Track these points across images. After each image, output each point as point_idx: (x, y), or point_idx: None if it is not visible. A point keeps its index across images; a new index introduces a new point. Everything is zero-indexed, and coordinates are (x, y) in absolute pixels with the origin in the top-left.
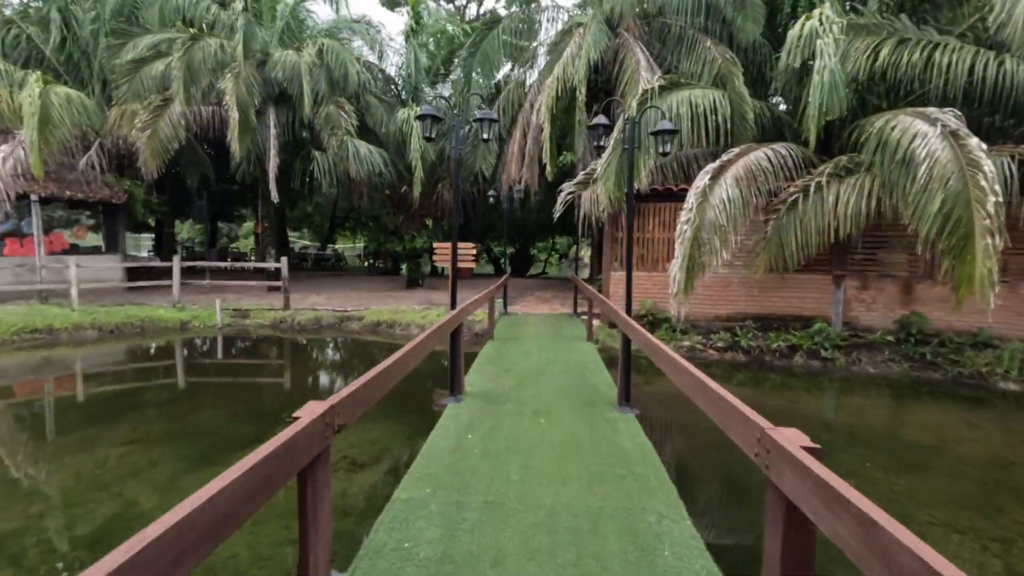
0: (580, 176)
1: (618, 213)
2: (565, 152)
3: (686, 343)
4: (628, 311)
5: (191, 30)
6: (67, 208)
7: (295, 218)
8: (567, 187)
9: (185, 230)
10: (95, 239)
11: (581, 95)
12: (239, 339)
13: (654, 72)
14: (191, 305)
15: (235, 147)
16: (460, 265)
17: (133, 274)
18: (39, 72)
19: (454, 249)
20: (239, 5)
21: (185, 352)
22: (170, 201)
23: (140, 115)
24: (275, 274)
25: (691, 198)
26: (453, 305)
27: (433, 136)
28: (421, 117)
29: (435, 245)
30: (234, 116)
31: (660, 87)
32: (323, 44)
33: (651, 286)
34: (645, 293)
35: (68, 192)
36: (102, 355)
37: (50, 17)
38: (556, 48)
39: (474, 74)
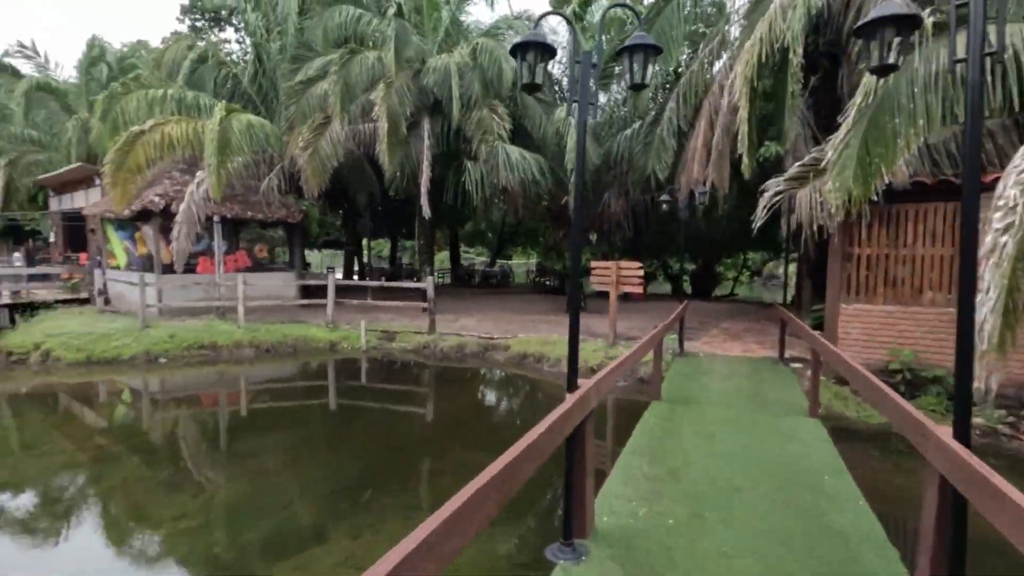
0: (794, 170)
1: (856, 219)
2: (767, 143)
3: (979, 419)
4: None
5: (351, 46)
6: (251, 228)
7: (467, 234)
8: (773, 184)
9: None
10: (282, 256)
11: (796, 58)
12: (382, 364)
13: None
14: (345, 325)
15: (385, 160)
16: (626, 289)
17: (306, 291)
18: (223, 103)
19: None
20: (392, 11)
21: (326, 375)
22: (347, 219)
23: (303, 135)
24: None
25: (1013, 191)
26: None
27: (538, 82)
28: (520, 47)
29: (592, 265)
30: (383, 127)
31: (935, 23)
32: (477, 44)
33: (910, 327)
34: (901, 336)
35: (250, 213)
36: (252, 374)
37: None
38: (756, 8)
39: None
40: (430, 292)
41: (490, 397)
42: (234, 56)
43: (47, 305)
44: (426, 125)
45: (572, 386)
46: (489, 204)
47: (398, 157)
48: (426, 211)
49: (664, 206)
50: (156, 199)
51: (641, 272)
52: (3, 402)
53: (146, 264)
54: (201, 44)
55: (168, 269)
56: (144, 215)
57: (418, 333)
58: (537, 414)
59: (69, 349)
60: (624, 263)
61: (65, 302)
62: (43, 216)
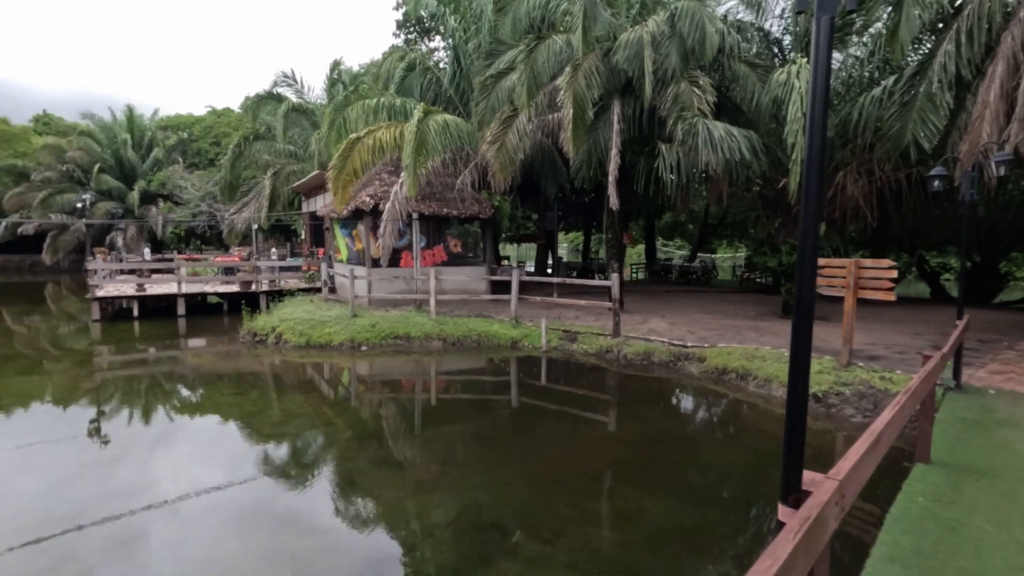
0: None
1: None
2: None
3: None
4: None
5: (540, 32)
6: (451, 224)
7: (665, 226)
8: None
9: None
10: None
11: None
12: (561, 366)
13: None
14: (528, 322)
15: (570, 149)
16: (869, 295)
17: (495, 286)
18: (422, 105)
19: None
20: None
21: (506, 372)
22: (540, 213)
23: (491, 129)
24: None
25: None
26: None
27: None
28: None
29: (821, 264)
30: (568, 113)
31: None
32: (676, 8)
33: None
34: None
35: (445, 210)
36: (438, 365)
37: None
38: None
39: None
40: (614, 291)
41: (679, 419)
42: (441, 63)
43: (291, 293)
44: (616, 108)
45: (791, 486)
46: (686, 191)
47: (584, 145)
48: (613, 202)
49: (936, 184)
50: (367, 199)
51: (893, 273)
52: (254, 377)
53: (360, 258)
54: (412, 54)
55: (377, 263)
56: (357, 214)
57: (601, 335)
58: (738, 451)
59: (294, 333)
60: (866, 261)
61: (305, 291)
62: (298, 217)
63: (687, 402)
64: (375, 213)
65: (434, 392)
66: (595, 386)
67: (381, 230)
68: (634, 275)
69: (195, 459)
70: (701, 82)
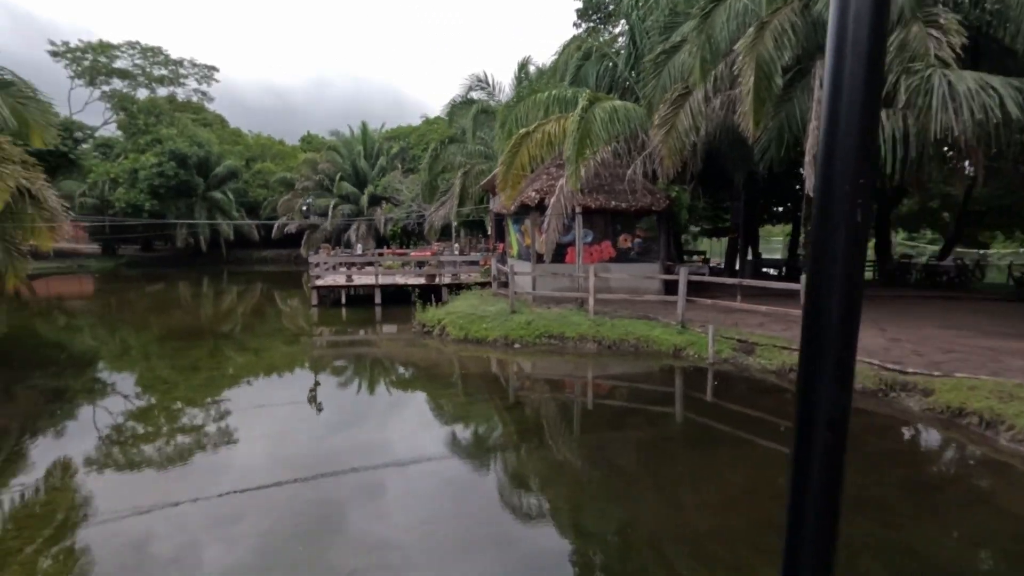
0: None
1: None
2: None
3: None
4: None
5: None
6: (615, 218)
7: (908, 214)
8: None
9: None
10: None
11: None
12: (731, 381)
13: None
14: (698, 328)
15: (748, 124)
16: None
17: (671, 286)
18: (587, 92)
19: None
20: None
21: (664, 382)
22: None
23: (659, 110)
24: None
25: None
26: None
27: None
28: None
29: None
30: (746, 82)
31: None
32: None
33: None
34: None
35: (614, 203)
36: (591, 369)
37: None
38: None
39: None
40: (805, 296)
41: (886, 471)
42: (620, 48)
43: (467, 286)
44: (818, 72)
45: None
46: (919, 169)
47: (773, 121)
48: (810, 186)
49: None
50: (532, 194)
51: None
52: (421, 364)
53: (529, 254)
54: (588, 42)
55: (541, 259)
56: (523, 209)
57: (786, 348)
58: (979, 538)
59: (455, 327)
60: None
61: (481, 285)
62: (486, 213)
63: (899, 448)
64: (540, 208)
65: (589, 396)
66: (773, 410)
67: (544, 225)
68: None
69: (393, 430)
70: (942, 20)
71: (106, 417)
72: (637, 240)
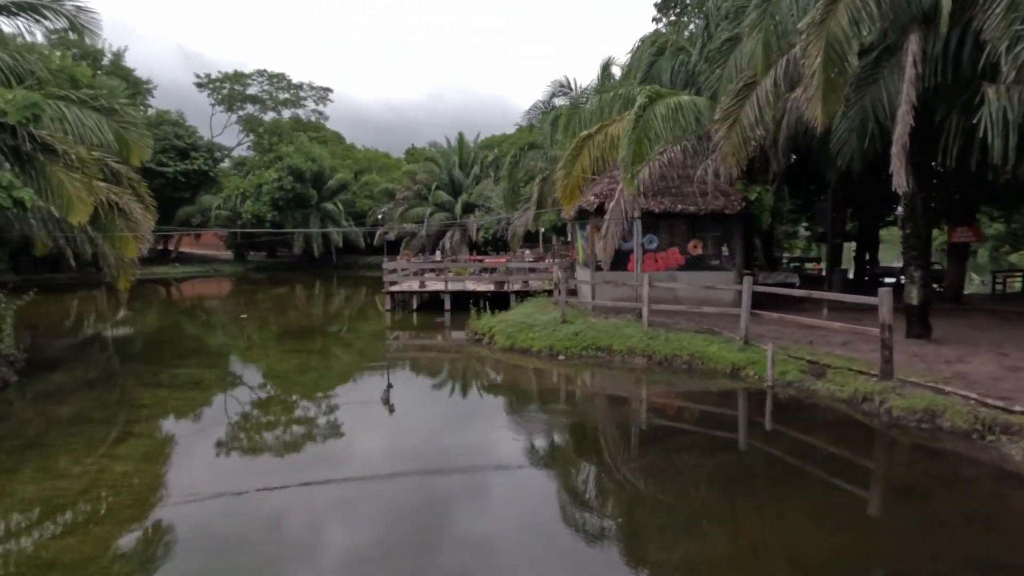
0: None
1: None
2: None
3: None
4: None
5: None
6: (686, 222)
7: None
8: None
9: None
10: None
11: None
12: (791, 409)
13: None
14: (764, 346)
15: (814, 112)
16: None
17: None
18: (648, 88)
19: None
20: None
21: (708, 406)
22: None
23: (721, 103)
24: (918, 312)
25: None
26: None
27: None
28: None
29: None
30: (811, 64)
31: None
32: None
33: None
34: None
35: (680, 206)
36: (633, 384)
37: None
38: None
39: None
40: (883, 313)
41: (963, 547)
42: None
43: (535, 294)
44: (911, 46)
45: None
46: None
47: (855, 108)
48: (900, 183)
49: None
50: (592, 198)
51: None
52: (454, 373)
53: (591, 261)
54: (663, 37)
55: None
56: (582, 214)
57: (864, 374)
58: None
59: (503, 336)
60: None
61: (548, 292)
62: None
63: (977, 513)
64: (600, 213)
65: (613, 417)
66: (832, 446)
67: (603, 231)
68: (997, 288)
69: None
70: None
71: (234, 405)
72: (711, 246)
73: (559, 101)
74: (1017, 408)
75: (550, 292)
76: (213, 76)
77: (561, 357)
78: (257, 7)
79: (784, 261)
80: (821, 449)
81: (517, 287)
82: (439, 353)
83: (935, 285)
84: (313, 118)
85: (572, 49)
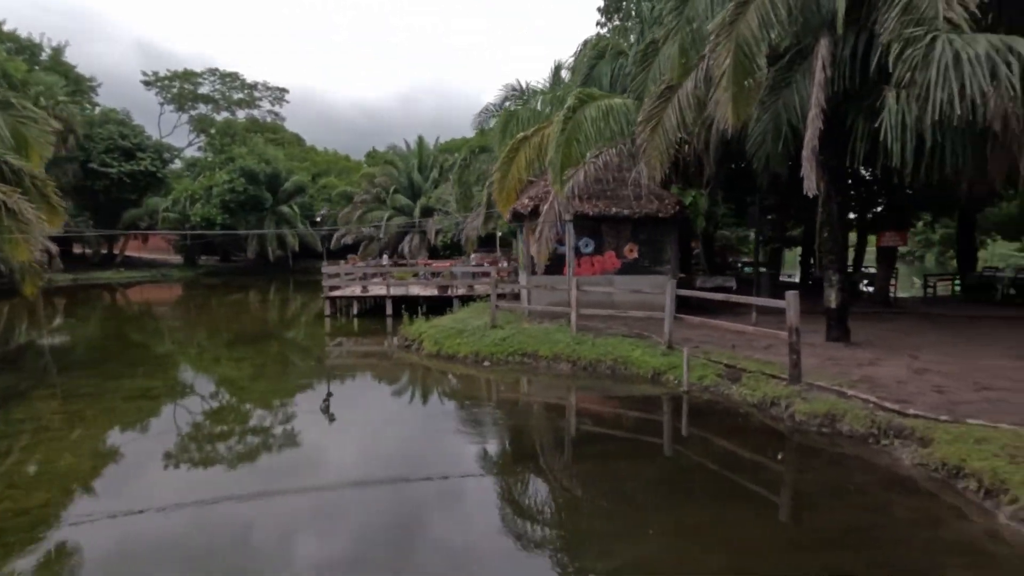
0: None
1: None
2: None
3: None
4: None
5: None
6: (622, 225)
7: (1007, 220)
8: None
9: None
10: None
11: None
12: (701, 415)
13: None
14: (690, 348)
15: (727, 115)
16: None
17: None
18: (577, 90)
19: None
20: None
21: (614, 413)
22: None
23: (644, 106)
24: (836, 315)
25: None
26: None
27: None
28: None
29: None
30: (721, 64)
31: None
32: None
33: None
34: None
35: (614, 209)
36: (549, 391)
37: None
38: None
39: None
40: (791, 317)
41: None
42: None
43: (479, 298)
44: (821, 52)
45: None
46: (938, 159)
47: (768, 111)
48: (810, 186)
49: None
50: (527, 201)
51: None
52: (371, 379)
53: (527, 265)
54: (603, 41)
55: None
56: (517, 218)
57: (776, 378)
58: None
59: (430, 341)
60: None
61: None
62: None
63: (862, 521)
64: (534, 216)
65: (516, 424)
66: (741, 449)
67: (537, 234)
68: (928, 291)
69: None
70: None
71: (150, 417)
72: (647, 250)
73: (513, 105)
74: (911, 411)
75: (498, 297)
76: (162, 74)
77: (486, 363)
78: (223, 4)
79: (739, 265)
80: (723, 457)
81: (462, 292)
82: (362, 360)
83: (868, 288)
84: (269, 119)
85: (555, 51)
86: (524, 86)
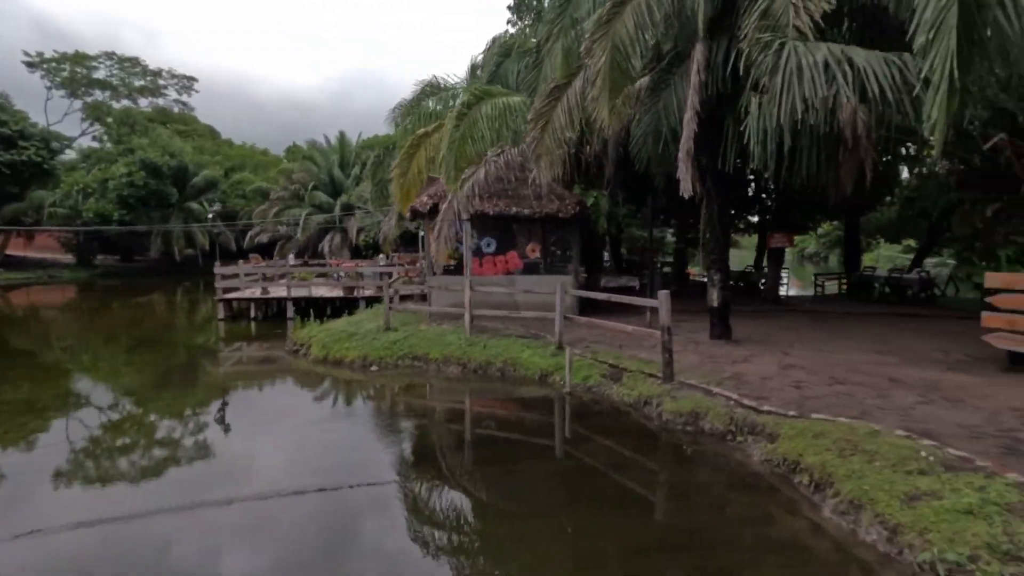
0: None
1: None
2: None
3: None
4: None
5: None
6: (526, 225)
7: (888, 224)
8: None
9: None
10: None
11: None
12: (578, 416)
13: None
14: (575, 350)
15: (601, 112)
16: None
17: (589, 300)
18: (474, 87)
19: None
20: None
21: (489, 418)
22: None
23: (534, 104)
24: (719, 314)
25: None
26: None
27: None
28: None
29: (993, 280)
30: (597, 62)
31: None
32: None
33: None
34: None
35: (515, 208)
36: (432, 396)
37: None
38: None
39: None
40: (663, 316)
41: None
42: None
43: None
44: (696, 56)
45: None
46: (797, 162)
47: (649, 112)
48: (686, 188)
49: None
50: (425, 199)
51: None
52: (245, 387)
53: (428, 265)
54: (510, 39)
55: (448, 270)
56: (417, 216)
57: (654, 377)
58: None
59: (318, 346)
60: None
61: (402, 297)
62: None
63: (713, 523)
64: (433, 214)
65: (404, 426)
66: (609, 450)
67: (436, 233)
68: (817, 290)
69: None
70: None
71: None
72: (550, 250)
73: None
74: (766, 408)
75: (403, 298)
76: (48, 55)
77: (374, 368)
78: None
79: (659, 266)
80: (593, 458)
81: (369, 292)
82: (244, 367)
83: (761, 286)
84: (177, 109)
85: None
86: (440, 81)
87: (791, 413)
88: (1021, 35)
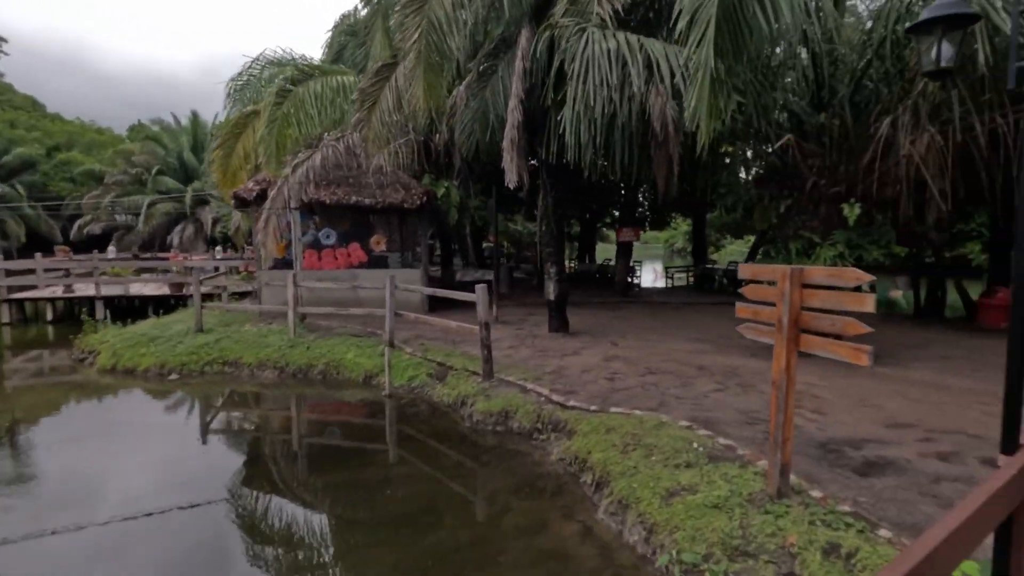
0: None
1: None
2: None
3: None
4: None
5: None
6: (368, 215)
7: (734, 222)
8: None
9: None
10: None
11: None
12: (396, 419)
13: None
14: (407, 349)
15: (416, 93)
16: (824, 347)
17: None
18: (298, 65)
19: None
20: None
21: (291, 427)
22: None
23: (360, 84)
24: (555, 307)
25: None
26: None
27: None
28: None
29: (745, 270)
30: (409, 38)
31: None
32: None
33: None
34: None
35: (355, 198)
36: (239, 405)
37: None
38: None
39: None
40: (480, 312)
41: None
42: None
43: (216, 297)
44: (521, 42)
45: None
46: (597, 157)
47: (476, 99)
48: (511, 178)
49: None
50: (252, 185)
51: (865, 302)
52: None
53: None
54: (356, 20)
55: (279, 264)
56: (242, 204)
57: (475, 374)
58: None
59: (108, 353)
60: (818, 271)
61: (241, 294)
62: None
63: (487, 536)
64: (260, 201)
65: (182, 443)
66: (416, 456)
67: (263, 222)
68: (668, 282)
69: None
70: None
71: None
72: (396, 243)
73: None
74: (571, 403)
75: (242, 295)
76: None
77: (173, 376)
78: None
79: (524, 260)
80: (378, 471)
81: (206, 290)
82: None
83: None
84: None
85: None
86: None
87: (592, 408)
88: (770, 32)
